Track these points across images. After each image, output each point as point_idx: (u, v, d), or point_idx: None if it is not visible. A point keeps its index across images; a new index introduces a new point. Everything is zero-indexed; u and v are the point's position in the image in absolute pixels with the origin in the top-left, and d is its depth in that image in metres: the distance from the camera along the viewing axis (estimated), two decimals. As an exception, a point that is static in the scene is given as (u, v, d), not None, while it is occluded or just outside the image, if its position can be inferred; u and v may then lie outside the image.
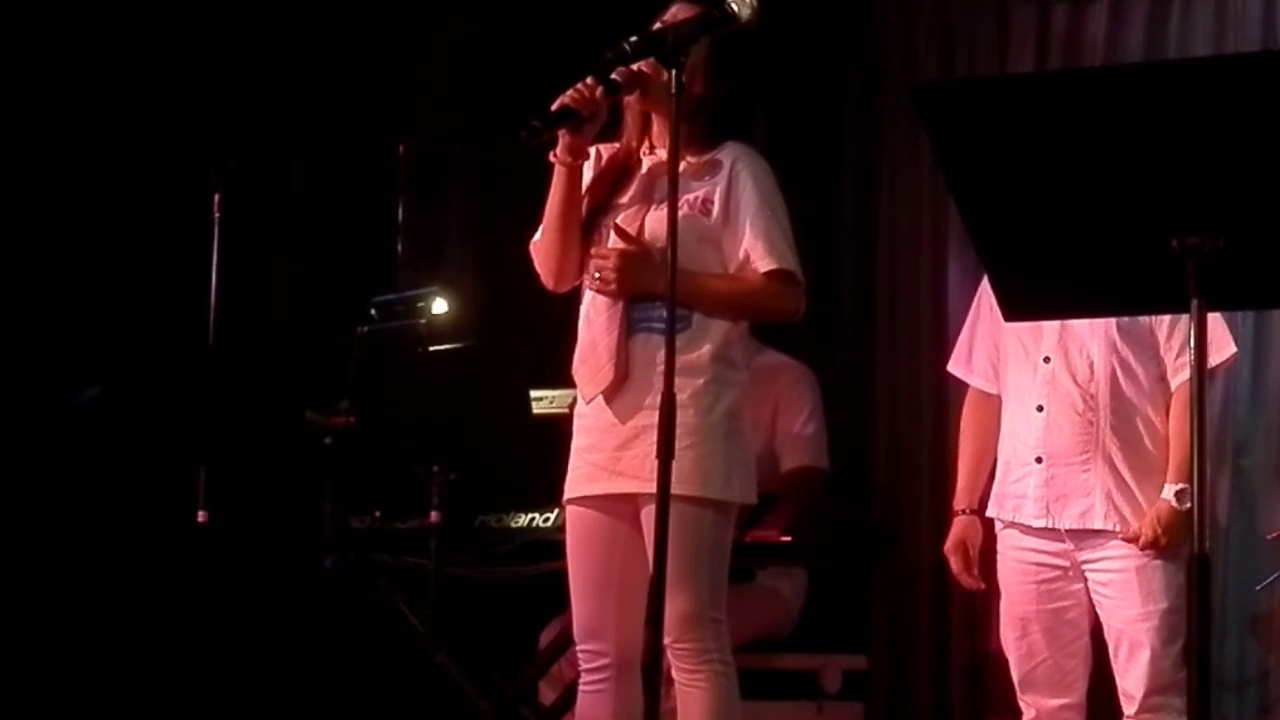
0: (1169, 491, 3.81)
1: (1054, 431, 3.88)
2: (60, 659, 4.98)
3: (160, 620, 4.80)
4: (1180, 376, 3.85)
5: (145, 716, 4.84)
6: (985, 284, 3.99)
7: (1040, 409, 3.89)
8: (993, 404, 4.08)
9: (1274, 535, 4.46)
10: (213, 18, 5.43)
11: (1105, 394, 3.85)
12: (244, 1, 5.51)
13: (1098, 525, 3.84)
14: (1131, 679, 3.81)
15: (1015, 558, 3.95)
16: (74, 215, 5.25)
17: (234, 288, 4.64)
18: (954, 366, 4.20)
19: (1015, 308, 2.68)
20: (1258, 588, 4.52)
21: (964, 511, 4.09)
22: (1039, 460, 3.88)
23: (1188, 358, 3.70)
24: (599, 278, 3.51)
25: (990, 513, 4.01)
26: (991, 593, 4.07)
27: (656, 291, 3.39)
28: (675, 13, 3.53)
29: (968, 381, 4.15)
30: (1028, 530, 3.92)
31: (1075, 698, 3.93)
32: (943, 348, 4.53)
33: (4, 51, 5.19)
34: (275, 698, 5.00)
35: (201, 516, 4.45)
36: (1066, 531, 3.87)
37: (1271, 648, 4.72)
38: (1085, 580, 3.90)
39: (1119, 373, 3.85)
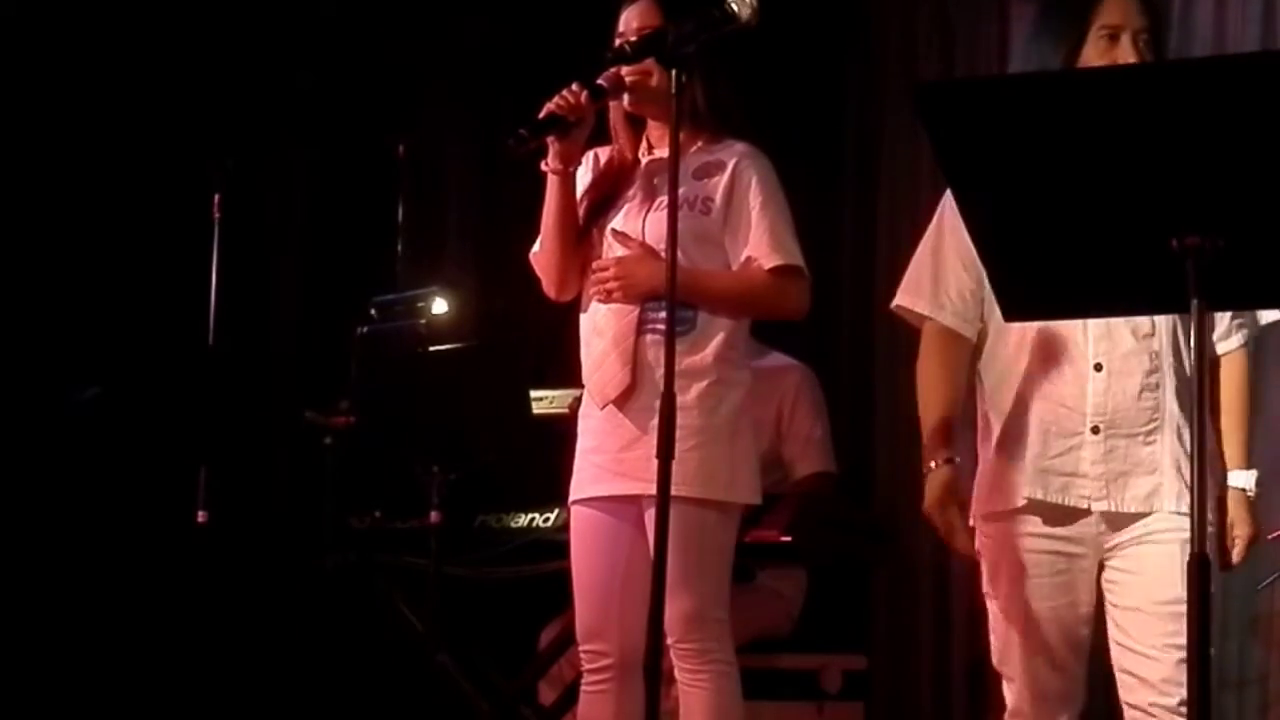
0: (1243, 479, 3.33)
1: (1117, 395, 3.25)
2: (61, 659, 4.98)
3: (160, 620, 4.80)
4: (1230, 342, 3.36)
5: (145, 716, 4.84)
6: (947, 198, 3.38)
7: (1099, 368, 3.25)
8: (965, 349, 3.43)
9: (1274, 535, 4.46)
10: (213, 17, 5.43)
11: (1168, 351, 3.26)
12: (244, 1, 5.52)
13: (1169, 508, 3.23)
14: (1164, 670, 3.18)
15: (1030, 547, 3.32)
16: (74, 215, 5.25)
17: (234, 288, 4.64)
18: (910, 299, 3.47)
19: (1015, 307, 2.67)
20: (1258, 588, 4.52)
21: (946, 461, 3.40)
22: (1095, 430, 3.26)
23: (1244, 320, 3.34)
24: (606, 289, 3.51)
25: (1026, 493, 3.31)
26: (977, 596, 3.55)
27: (663, 291, 3.40)
28: (629, 19, 3.54)
29: (934, 318, 3.43)
30: (1055, 514, 3.29)
31: (1080, 707, 3.38)
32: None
33: (4, 52, 5.20)
34: (275, 698, 5.00)
35: (201, 516, 4.45)
36: (1107, 514, 3.28)
37: (1271, 648, 4.72)
38: (1101, 567, 3.32)
39: (1179, 328, 3.27)
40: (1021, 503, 3.31)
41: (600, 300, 3.55)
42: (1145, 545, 3.23)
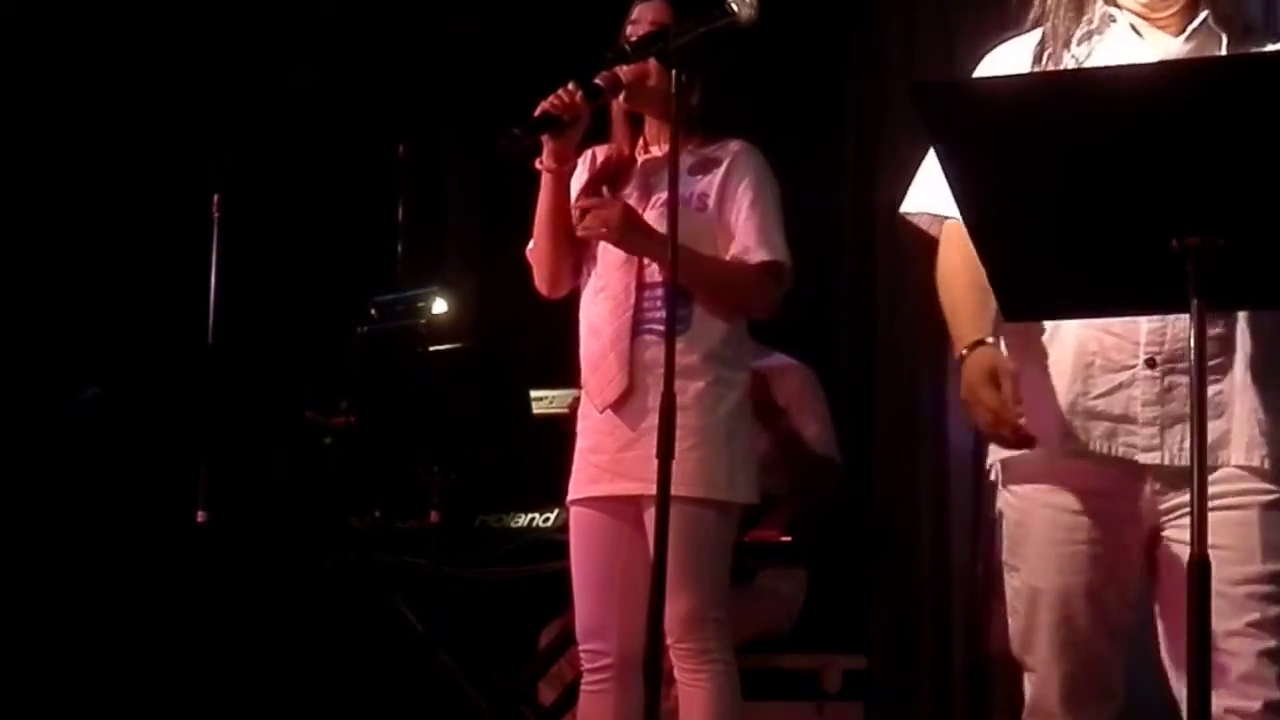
0: None
1: (1176, 321, 2.68)
2: (60, 659, 4.98)
3: (160, 620, 4.80)
4: None
5: (145, 716, 4.84)
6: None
7: None
8: None
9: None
10: (212, 17, 5.44)
11: None
12: (244, 1, 5.52)
13: (1239, 461, 2.67)
14: (1243, 664, 2.63)
15: (1065, 504, 2.77)
16: (74, 215, 5.25)
17: (234, 288, 4.64)
18: (922, 202, 2.94)
19: (1015, 307, 2.67)
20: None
21: (984, 343, 2.76)
22: (1150, 364, 2.71)
23: None
24: (601, 219, 3.47)
25: (1060, 441, 2.75)
26: (991, 576, 3.30)
27: (651, 252, 3.45)
28: (641, 13, 3.55)
29: (954, 216, 2.79)
30: (1098, 466, 2.74)
31: (1119, 707, 2.81)
32: (943, 347, 4.51)
33: (3, 52, 5.20)
34: (275, 698, 5.00)
35: (201, 516, 4.45)
36: (1160, 468, 2.72)
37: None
38: (1155, 537, 2.76)
39: None
40: (1054, 445, 2.75)
41: (584, 233, 3.52)
42: (1213, 513, 2.41)
